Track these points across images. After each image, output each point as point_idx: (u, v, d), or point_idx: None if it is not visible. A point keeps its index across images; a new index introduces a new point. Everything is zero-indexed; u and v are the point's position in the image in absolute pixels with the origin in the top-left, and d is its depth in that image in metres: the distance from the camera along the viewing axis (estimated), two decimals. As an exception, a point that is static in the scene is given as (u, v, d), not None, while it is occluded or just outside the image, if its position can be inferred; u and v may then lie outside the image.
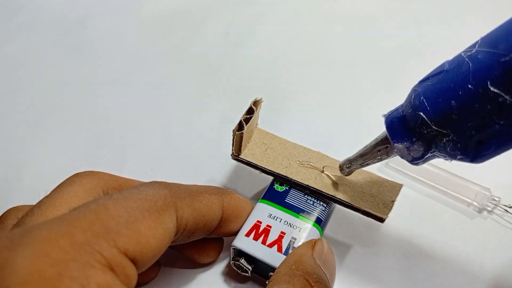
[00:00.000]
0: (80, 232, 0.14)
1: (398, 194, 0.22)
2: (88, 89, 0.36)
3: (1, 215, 0.19)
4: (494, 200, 0.26)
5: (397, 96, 0.33)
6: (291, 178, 0.23)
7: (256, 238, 0.21)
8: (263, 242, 0.21)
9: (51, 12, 0.43)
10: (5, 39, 0.40)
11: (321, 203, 0.23)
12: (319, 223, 0.22)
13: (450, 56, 0.16)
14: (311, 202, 0.23)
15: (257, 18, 0.41)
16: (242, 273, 0.22)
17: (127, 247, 0.15)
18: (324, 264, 0.19)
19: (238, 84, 0.35)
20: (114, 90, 0.35)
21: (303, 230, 0.22)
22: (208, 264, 0.24)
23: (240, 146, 0.24)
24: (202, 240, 0.22)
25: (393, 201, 0.22)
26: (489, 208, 0.26)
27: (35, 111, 0.34)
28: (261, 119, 0.26)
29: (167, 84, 0.36)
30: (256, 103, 0.24)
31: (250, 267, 0.21)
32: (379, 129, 0.31)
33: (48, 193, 0.19)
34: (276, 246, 0.21)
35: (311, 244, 0.20)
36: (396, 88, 0.34)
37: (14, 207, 0.19)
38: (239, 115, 0.24)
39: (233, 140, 0.23)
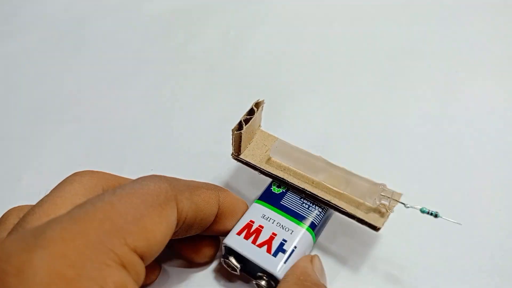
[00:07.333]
0: (93, 232, 0.14)
1: (396, 204, 0.22)
2: (88, 89, 0.36)
3: (3, 215, 0.19)
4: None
5: (397, 96, 0.34)
6: (288, 181, 0.23)
7: (247, 237, 0.21)
8: (253, 242, 0.21)
9: (51, 12, 0.43)
10: (5, 39, 0.40)
11: (317, 208, 0.23)
12: (313, 227, 0.22)
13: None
14: (307, 206, 0.23)
15: (257, 18, 0.41)
16: (231, 271, 0.22)
17: (136, 244, 0.15)
18: (321, 279, 0.20)
19: (238, 84, 0.35)
20: (114, 90, 0.35)
21: (295, 233, 0.21)
22: (204, 264, 0.24)
23: (239, 146, 0.24)
24: (198, 240, 0.22)
25: (390, 211, 0.21)
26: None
27: (35, 111, 0.34)
28: (261, 119, 0.26)
29: (167, 84, 0.36)
30: (257, 104, 0.24)
31: (239, 266, 0.21)
32: (379, 129, 0.31)
33: (48, 192, 0.19)
34: (265, 246, 0.21)
35: (310, 259, 0.21)
36: (396, 88, 0.34)
37: (15, 207, 0.19)
38: (239, 115, 0.24)
39: (232, 139, 0.23)
